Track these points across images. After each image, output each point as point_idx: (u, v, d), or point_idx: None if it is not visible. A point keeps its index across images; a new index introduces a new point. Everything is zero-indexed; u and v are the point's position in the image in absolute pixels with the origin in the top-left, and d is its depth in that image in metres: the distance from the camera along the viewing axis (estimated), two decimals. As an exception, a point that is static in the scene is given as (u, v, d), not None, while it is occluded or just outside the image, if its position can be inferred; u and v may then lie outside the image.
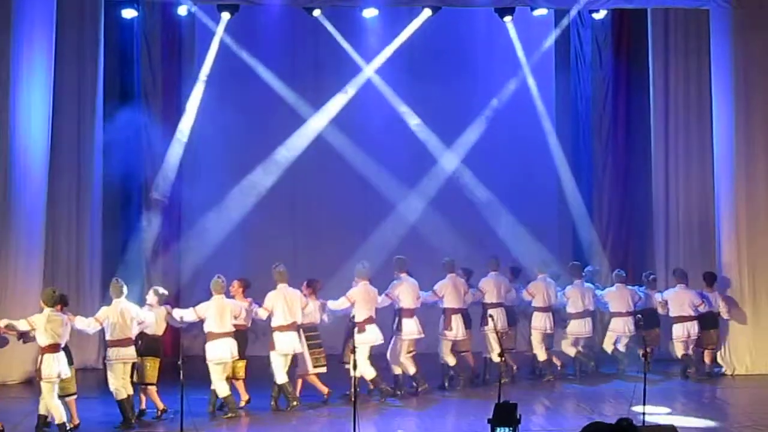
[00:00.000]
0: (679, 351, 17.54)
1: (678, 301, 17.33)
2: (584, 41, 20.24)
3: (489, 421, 10.62)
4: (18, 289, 16.44)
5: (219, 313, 14.32)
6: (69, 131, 17.82)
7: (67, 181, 17.88)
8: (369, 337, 15.23)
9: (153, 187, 18.67)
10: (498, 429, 10.50)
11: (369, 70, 19.28)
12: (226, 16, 18.19)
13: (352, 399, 12.21)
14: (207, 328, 14.29)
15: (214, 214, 19.08)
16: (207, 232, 19.18)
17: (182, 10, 18.46)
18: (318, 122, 19.21)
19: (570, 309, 17.32)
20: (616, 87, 20.14)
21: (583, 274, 17.66)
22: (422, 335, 15.87)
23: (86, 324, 13.54)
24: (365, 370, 15.06)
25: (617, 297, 17.52)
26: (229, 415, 14.20)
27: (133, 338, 13.78)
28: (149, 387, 14.16)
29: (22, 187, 16.74)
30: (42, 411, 13.17)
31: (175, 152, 18.87)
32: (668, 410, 14.43)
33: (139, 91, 19.04)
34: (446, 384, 16.30)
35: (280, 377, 14.74)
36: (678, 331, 17.32)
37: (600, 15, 19.25)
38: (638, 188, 19.82)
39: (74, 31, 17.80)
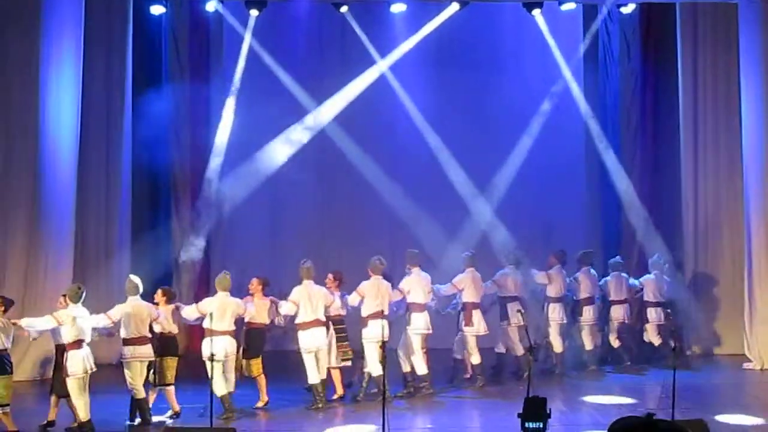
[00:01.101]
0: (655, 339, 17.63)
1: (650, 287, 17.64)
2: (612, 36, 20.18)
3: (519, 415, 10.63)
4: (48, 286, 16.52)
5: (221, 311, 14.14)
6: (97, 127, 17.93)
7: (95, 177, 17.99)
8: (374, 333, 14.75)
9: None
10: (528, 424, 10.51)
11: (384, 67, 19.26)
12: (254, 12, 18.25)
13: (382, 395, 12.26)
14: (205, 324, 13.82)
15: (243, 210, 19.13)
16: (237, 228, 19.28)
17: (210, 6, 18.49)
18: (342, 118, 19.25)
19: (582, 295, 17.34)
20: (644, 81, 20.06)
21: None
22: (430, 330, 15.64)
23: (96, 321, 13.36)
24: (372, 367, 14.91)
25: (614, 285, 17.58)
26: (225, 416, 13.92)
27: (149, 336, 13.70)
28: (167, 387, 14.05)
29: (51, 183, 16.85)
30: (51, 416, 13.32)
31: (205, 150, 19.02)
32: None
33: (167, 86, 19.09)
34: (454, 380, 16.24)
35: (312, 376, 14.67)
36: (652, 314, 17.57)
37: (628, 9, 19.19)
38: (667, 182, 19.75)
39: (103, 27, 17.90)
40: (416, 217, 18.73)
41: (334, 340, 15.05)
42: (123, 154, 18.23)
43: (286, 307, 14.75)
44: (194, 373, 14.71)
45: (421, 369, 15.51)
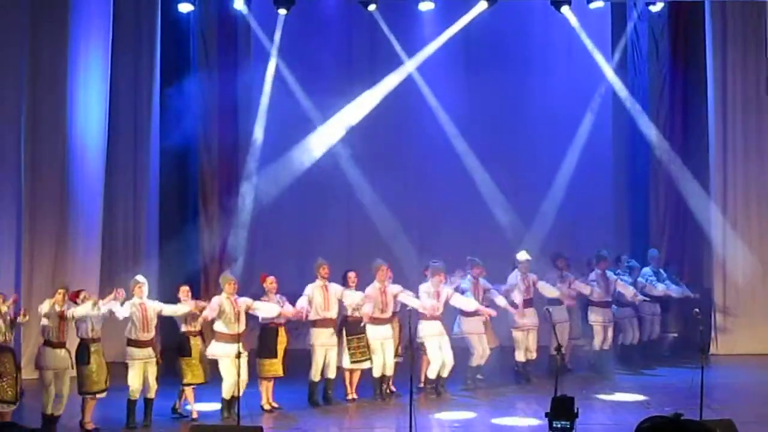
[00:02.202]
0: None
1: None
2: (641, 34, 20.07)
3: (546, 415, 10.63)
4: (75, 286, 16.27)
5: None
6: (125, 127, 17.96)
7: (123, 176, 18.03)
8: (376, 334, 15.16)
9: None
10: (555, 423, 10.51)
11: (411, 67, 19.28)
12: (282, 11, 18.29)
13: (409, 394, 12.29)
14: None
15: (273, 209, 19.17)
16: (265, 226, 19.34)
17: (238, 4, 18.53)
18: (373, 116, 19.27)
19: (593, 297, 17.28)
20: (673, 79, 19.95)
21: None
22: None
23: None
24: (377, 364, 15.09)
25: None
26: (225, 415, 13.98)
27: (153, 338, 13.71)
28: (186, 387, 14.05)
29: (79, 184, 16.90)
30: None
31: (234, 149, 19.08)
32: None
33: (195, 86, 19.02)
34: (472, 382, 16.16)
35: (313, 373, 14.80)
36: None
37: (657, 7, 19.10)
38: (696, 180, 19.65)
39: (131, 25, 17.94)
40: (442, 218, 18.80)
41: (345, 342, 14.99)
42: (151, 153, 18.27)
43: (302, 302, 14.75)
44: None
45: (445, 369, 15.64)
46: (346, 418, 14.45)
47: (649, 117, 19.93)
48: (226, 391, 13.88)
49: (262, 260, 18.49)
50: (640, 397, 15.10)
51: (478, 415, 14.37)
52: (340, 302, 15.02)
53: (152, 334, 13.72)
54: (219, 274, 18.21)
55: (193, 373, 13.92)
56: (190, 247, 18.88)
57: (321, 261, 15.09)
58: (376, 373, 15.13)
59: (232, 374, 13.71)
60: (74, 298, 13.37)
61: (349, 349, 14.95)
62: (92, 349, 13.25)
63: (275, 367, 14.46)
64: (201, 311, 14.01)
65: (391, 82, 19.18)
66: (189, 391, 14.03)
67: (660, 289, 17.77)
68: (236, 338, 13.60)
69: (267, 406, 14.46)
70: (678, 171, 19.55)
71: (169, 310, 13.92)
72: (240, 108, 19.20)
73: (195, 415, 13.96)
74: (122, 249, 18.12)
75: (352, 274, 15.19)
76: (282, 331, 14.64)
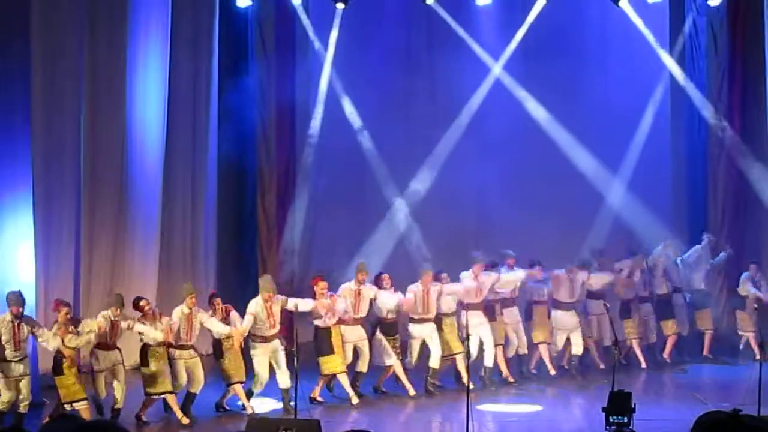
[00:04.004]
0: None
1: None
2: (699, 29, 19.96)
3: (603, 409, 10.66)
4: (134, 287, 16.28)
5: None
6: (184, 122, 18.03)
7: (182, 172, 18.09)
8: (422, 332, 15.48)
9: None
10: (612, 418, 10.53)
11: (496, 67, 19.43)
12: (340, 6, 18.36)
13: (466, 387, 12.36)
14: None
15: (328, 206, 19.32)
16: (322, 225, 19.46)
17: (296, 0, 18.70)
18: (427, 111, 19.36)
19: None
20: (732, 75, 19.81)
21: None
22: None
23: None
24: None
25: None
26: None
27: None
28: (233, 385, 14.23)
29: (138, 180, 17.00)
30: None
31: (292, 146, 19.20)
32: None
33: (253, 80, 19.10)
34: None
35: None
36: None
37: (715, 2, 18.98)
38: (754, 176, 19.50)
39: (189, 20, 18.01)
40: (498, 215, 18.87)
41: (383, 341, 15.14)
42: (209, 150, 18.36)
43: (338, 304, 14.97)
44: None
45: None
46: (402, 412, 14.55)
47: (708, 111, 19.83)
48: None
49: (318, 259, 18.58)
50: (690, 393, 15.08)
51: (535, 409, 14.45)
52: (372, 302, 15.24)
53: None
54: (276, 267, 18.40)
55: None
56: (246, 241, 18.95)
57: (361, 266, 15.33)
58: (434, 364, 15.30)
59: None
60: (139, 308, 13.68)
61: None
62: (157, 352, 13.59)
63: (333, 363, 14.69)
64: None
65: (451, 73, 19.24)
66: (238, 388, 14.22)
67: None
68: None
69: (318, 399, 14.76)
70: (738, 165, 19.42)
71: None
72: (297, 102, 19.26)
73: (250, 410, 14.18)
74: (180, 248, 18.12)
75: (386, 276, 15.43)
76: (336, 331, 14.88)
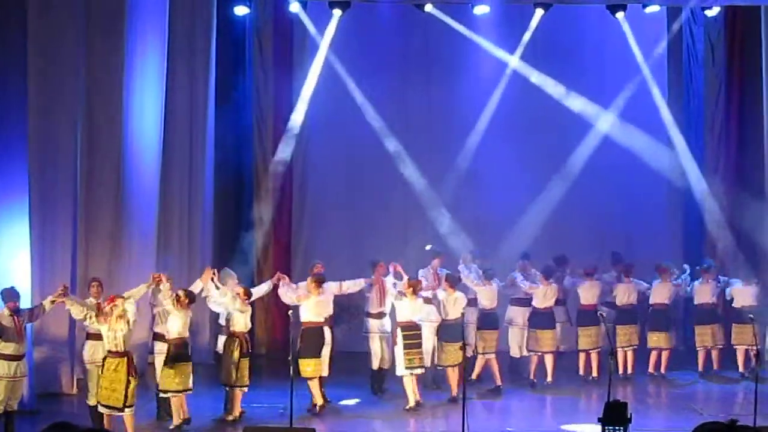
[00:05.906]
0: None
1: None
2: (697, 39, 19.95)
3: (599, 419, 10.63)
4: (131, 286, 16.19)
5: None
6: (181, 128, 18.04)
7: (178, 178, 18.10)
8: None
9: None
10: (608, 428, 10.50)
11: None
12: (337, 12, 18.34)
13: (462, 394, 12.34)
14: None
15: (325, 208, 19.34)
16: (319, 225, 19.48)
17: (294, 7, 18.58)
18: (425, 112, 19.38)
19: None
20: (729, 85, 19.83)
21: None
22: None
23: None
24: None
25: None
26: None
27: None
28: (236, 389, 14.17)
29: (135, 184, 16.92)
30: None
31: (287, 146, 19.14)
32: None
33: (251, 87, 19.15)
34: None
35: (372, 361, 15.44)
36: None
37: (713, 12, 18.94)
38: (751, 187, 19.48)
39: (186, 28, 18.03)
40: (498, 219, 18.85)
41: (401, 347, 14.90)
42: (206, 154, 18.38)
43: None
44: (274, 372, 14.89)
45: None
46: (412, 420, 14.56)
47: (704, 122, 19.80)
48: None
49: (315, 253, 18.59)
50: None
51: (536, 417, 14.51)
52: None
53: None
54: (272, 268, 18.34)
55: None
56: (243, 243, 18.91)
57: (379, 260, 15.64)
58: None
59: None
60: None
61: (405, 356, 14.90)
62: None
63: (314, 367, 14.50)
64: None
65: (449, 79, 19.31)
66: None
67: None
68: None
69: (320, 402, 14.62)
70: (733, 178, 19.42)
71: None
72: (295, 109, 19.21)
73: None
74: (178, 246, 18.10)
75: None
76: (325, 332, 14.89)
